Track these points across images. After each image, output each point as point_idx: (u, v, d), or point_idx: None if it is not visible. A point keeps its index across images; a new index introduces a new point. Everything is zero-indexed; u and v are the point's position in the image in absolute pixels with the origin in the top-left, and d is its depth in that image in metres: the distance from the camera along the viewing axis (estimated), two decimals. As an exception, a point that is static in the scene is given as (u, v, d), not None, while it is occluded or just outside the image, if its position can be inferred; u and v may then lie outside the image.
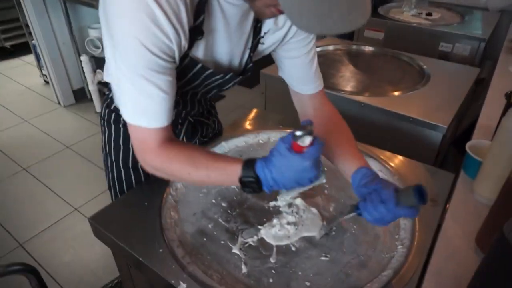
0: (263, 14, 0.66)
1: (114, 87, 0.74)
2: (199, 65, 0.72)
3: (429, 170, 0.97)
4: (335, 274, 0.70)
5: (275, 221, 0.80)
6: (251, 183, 0.64)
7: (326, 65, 1.74)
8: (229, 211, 0.84)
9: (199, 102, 0.93)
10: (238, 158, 0.67)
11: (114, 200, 1.00)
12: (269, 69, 1.64)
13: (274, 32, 0.78)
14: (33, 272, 0.78)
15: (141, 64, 0.59)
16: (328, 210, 0.85)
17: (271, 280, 0.69)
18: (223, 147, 1.06)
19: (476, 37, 2.02)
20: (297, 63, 0.83)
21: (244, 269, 0.71)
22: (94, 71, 2.84)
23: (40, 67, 3.33)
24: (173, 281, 0.67)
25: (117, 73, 0.62)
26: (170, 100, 0.65)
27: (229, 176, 0.66)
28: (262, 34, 0.78)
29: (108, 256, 1.01)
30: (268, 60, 0.87)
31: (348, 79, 1.62)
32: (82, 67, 2.88)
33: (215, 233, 0.79)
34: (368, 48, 1.94)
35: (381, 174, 0.96)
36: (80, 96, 3.17)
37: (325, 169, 0.71)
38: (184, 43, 0.63)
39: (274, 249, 0.75)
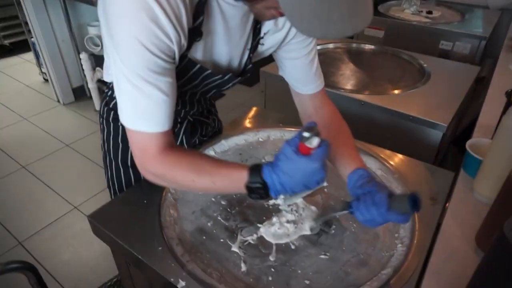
0: (263, 16, 0.66)
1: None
2: (198, 66, 0.71)
3: (429, 168, 0.97)
4: (334, 273, 0.70)
5: (274, 219, 0.79)
6: (258, 189, 0.63)
7: (326, 63, 1.74)
8: (228, 209, 0.84)
9: (199, 101, 0.93)
10: (243, 164, 0.66)
11: (113, 198, 1.00)
12: (269, 67, 1.64)
13: (274, 33, 0.78)
14: (31, 269, 0.78)
15: (141, 65, 0.58)
16: (327, 207, 0.85)
17: (270, 278, 0.69)
18: (223, 145, 1.06)
19: (477, 35, 2.01)
20: (297, 64, 0.83)
21: (243, 267, 0.71)
22: (94, 69, 2.83)
23: (39, 65, 3.32)
24: (172, 279, 0.67)
25: (117, 74, 0.61)
26: (171, 103, 0.63)
27: (234, 182, 0.64)
28: (261, 35, 0.77)
29: (107, 254, 1.01)
30: (268, 58, 0.87)
31: (348, 77, 1.62)
32: (81, 65, 2.87)
33: (214, 231, 0.79)
34: (368, 46, 1.94)
35: (380, 173, 0.96)
36: (80, 94, 3.16)
37: None
38: (184, 44, 0.62)
39: (274, 247, 0.75)
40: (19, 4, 2.76)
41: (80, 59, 2.82)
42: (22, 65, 3.88)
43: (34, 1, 2.64)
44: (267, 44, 0.80)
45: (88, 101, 3.12)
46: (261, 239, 0.77)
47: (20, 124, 2.85)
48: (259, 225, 0.79)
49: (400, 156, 1.02)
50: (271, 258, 0.73)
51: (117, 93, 0.64)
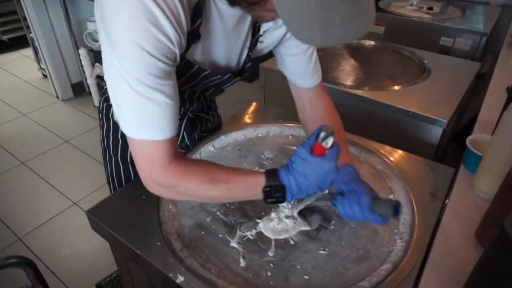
0: (263, 18, 0.65)
1: (111, 98, 0.62)
2: (196, 67, 0.70)
3: (429, 164, 0.97)
4: (333, 268, 0.70)
5: (273, 214, 0.79)
6: (276, 192, 0.63)
7: (327, 59, 1.73)
8: (227, 205, 0.84)
9: (198, 99, 0.92)
10: (256, 171, 0.67)
11: (112, 193, 0.99)
12: (268, 62, 1.63)
13: (273, 30, 0.77)
14: (30, 265, 0.78)
15: (143, 70, 0.54)
16: (327, 204, 0.85)
17: (269, 274, 0.69)
18: (222, 140, 1.05)
19: (478, 31, 2.00)
20: (296, 60, 0.83)
21: (242, 263, 0.71)
22: (93, 65, 2.82)
23: (38, 60, 3.31)
24: (171, 274, 0.67)
25: (116, 79, 0.56)
26: (176, 107, 0.60)
27: (251, 187, 0.64)
28: (261, 32, 0.77)
29: (106, 249, 1.01)
30: (268, 54, 0.87)
31: (348, 73, 1.61)
32: (80, 61, 2.86)
33: (213, 226, 0.79)
34: (369, 42, 1.93)
35: (380, 168, 0.95)
36: (79, 90, 3.15)
37: None
38: (184, 45, 0.61)
39: (273, 242, 0.75)
40: (18, -1, 2.75)
41: (79, 54, 2.81)
42: (21, 60, 3.87)
43: (33, -4, 2.63)
44: (266, 42, 0.79)
45: (87, 97, 3.11)
46: (260, 234, 0.77)
47: (19, 120, 2.84)
48: (258, 220, 0.79)
49: (400, 152, 1.01)
50: (270, 254, 0.73)
51: (116, 99, 0.59)
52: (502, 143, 0.76)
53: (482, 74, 1.71)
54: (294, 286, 0.67)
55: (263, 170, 0.65)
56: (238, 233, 0.77)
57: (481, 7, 2.42)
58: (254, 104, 1.25)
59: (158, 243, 0.73)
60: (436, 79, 1.51)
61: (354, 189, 0.67)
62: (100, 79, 2.87)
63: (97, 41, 2.77)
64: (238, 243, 0.75)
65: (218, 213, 0.82)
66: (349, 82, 1.53)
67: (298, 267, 0.70)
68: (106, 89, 0.91)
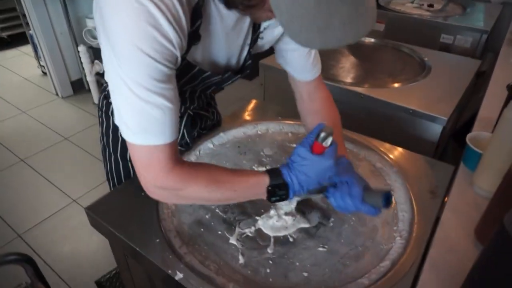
0: (259, 18, 0.66)
1: (112, 99, 0.61)
2: (197, 68, 0.70)
3: (428, 162, 0.97)
4: (332, 265, 0.70)
5: (272, 212, 0.79)
6: (279, 190, 0.65)
7: (326, 56, 1.73)
8: (226, 202, 0.84)
9: (199, 97, 0.92)
10: (257, 171, 0.68)
11: (111, 190, 0.99)
12: (268, 60, 1.63)
13: (273, 27, 0.77)
14: (29, 261, 0.78)
15: (145, 74, 0.54)
16: (326, 201, 0.84)
17: (268, 271, 0.69)
18: (222, 138, 1.05)
19: (478, 29, 2.00)
20: (295, 55, 0.83)
21: (241, 260, 0.71)
22: (92, 62, 2.81)
23: (37, 57, 3.30)
24: (170, 271, 0.67)
25: (117, 82, 0.56)
26: (176, 110, 0.60)
27: (255, 187, 0.66)
28: (261, 29, 0.76)
29: (106, 246, 1.01)
30: (268, 50, 0.86)
31: (348, 70, 1.61)
32: (80, 58, 2.85)
33: (212, 223, 0.78)
34: (369, 40, 1.92)
35: (379, 166, 0.95)
36: (78, 87, 3.15)
37: None
38: (184, 47, 0.60)
39: (272, 239, 0.75)
40: (17, -5, 2.74)
41: (78, 51, 2.80)
42: (20, 57, 3.86)
43: (32, -7, 2.62)
44: (266, 38, 0.79)
45: (86, 94, 3.11)
46: (259, 231, 0.77)
47: (18, 117, 2.84)
48: (257, 217, 0.79)
49: (400, 149, 1.01)
50: (269, 251, 0.73)
51: (116, 103, 0.58)
52: (502, 141, 0.76)
53: (482, 71, 1.71)
54: (293, 283, 0.67)
55: (263, 169, 0.67)
56: (237, 230, 0.76)
57: (482, 4, 2.41)
58: (253, 101, 1.25)
59: (157, 240, 0.73)
60: (436, 77, 1.51)
61: (346, 180, 0.68)
62: (99, 76, 2.86)
63: (96, 38, 2.76)
64: (237, 240, 0.75)
65: (217, 210, 0.82)
66: (349, 79, 1.52)
67: (297, 264, 0.70)
68: (105, 86, 0.91)
